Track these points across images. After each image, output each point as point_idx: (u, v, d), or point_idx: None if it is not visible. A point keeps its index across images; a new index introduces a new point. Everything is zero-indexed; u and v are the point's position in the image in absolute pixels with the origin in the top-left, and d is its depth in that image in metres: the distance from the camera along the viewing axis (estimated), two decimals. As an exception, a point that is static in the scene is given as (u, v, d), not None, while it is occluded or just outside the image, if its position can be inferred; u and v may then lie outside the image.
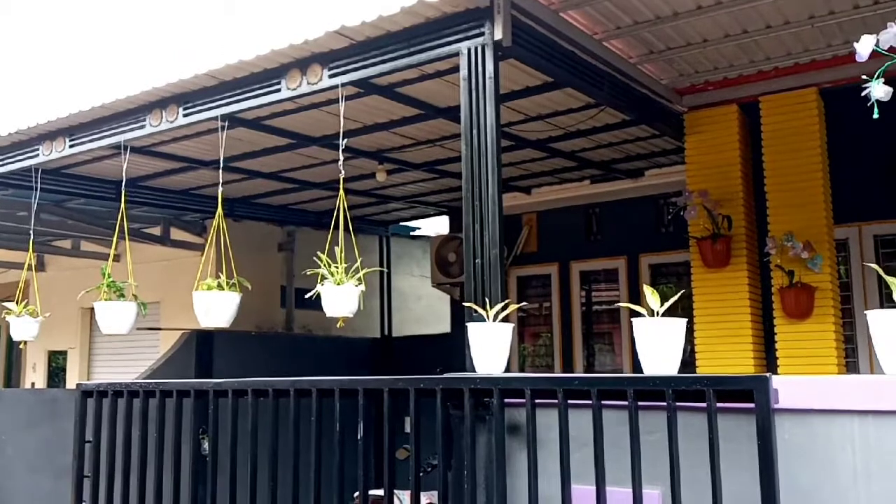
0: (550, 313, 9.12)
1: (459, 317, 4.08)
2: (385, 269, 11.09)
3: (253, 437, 3.86)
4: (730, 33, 5.50)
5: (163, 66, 5.35)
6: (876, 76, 2.33)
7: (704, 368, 6.37)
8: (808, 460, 2.74)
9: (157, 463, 4.17)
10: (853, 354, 6.58)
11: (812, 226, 6.02)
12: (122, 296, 5.58)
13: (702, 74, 6.27)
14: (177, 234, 9.85)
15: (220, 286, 5.03)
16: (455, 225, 10.23)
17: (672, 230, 8.08)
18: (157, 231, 9.71)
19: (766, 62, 6.05)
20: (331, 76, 4.95)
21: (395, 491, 7.09)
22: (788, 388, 2.76)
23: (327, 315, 4.38)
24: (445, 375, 3.45)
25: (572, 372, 8.80)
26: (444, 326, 10.48)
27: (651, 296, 3.18)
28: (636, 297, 8.37)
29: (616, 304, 8.25)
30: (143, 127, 5.89)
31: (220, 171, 5.81)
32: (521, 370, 9.23)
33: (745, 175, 6.47)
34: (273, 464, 3.76)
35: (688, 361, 6.40)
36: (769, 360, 6.30)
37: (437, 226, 12.52)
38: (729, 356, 6.28)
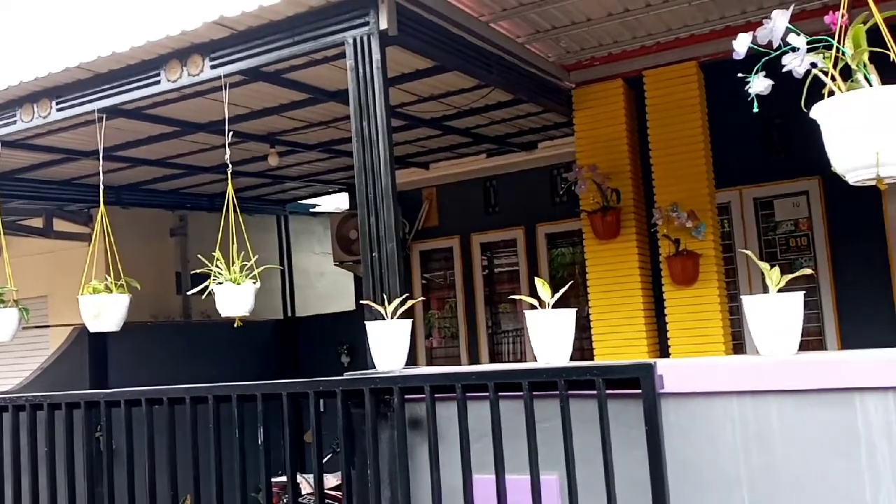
0: (454, 285, 9.25)
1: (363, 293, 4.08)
2: (283, 268, 10.85)
3: (150, 446, 3.77)
4: (612, 12, 5.62)
5: (32, 59, 5.04)
6: (754, 71, 2.42)
7: (598, 335, 6.61)
8: (692, 439, 2.89)
9: (50, 470, 4.04)
10: (737, 312, 6.94)
11: (695, 195, 6.28)
12: (2, 301, 5.31)
13: (587, 51, 6.38)
14: (61, 224, 9.34)
15: (107, 288, 4.85)
16: (355, 202, 10.09)
17: (566, 200, 8.28)
18: (38, 223, 9.19)
19: (649, 38, 6.21)
20: (213, 67, 4.78)
21: (305, 475, 7.05)
22: (673, 373, 2.89)
23: (222, 315, 4.28)
24: (345, 376, 3.45)
25: (477, 337, 9.00)
26: (348, 303, 10.43)
27: (542, 288, 3.26)
28: (534, 265, 8.60)
29: (511, 297, 8.43)
30: (14, 123, 5.55)
31: (101, 164, 5.55)
32: (429, 337, 9.36)
33: (631, 148, 6.67)
34: (172, 465, 3.69)
35: (585, 326, 6.63)
36: (659, 324, 6.58)
37: (336, 201, 12.33)
38: (621, 322, 6.53)
